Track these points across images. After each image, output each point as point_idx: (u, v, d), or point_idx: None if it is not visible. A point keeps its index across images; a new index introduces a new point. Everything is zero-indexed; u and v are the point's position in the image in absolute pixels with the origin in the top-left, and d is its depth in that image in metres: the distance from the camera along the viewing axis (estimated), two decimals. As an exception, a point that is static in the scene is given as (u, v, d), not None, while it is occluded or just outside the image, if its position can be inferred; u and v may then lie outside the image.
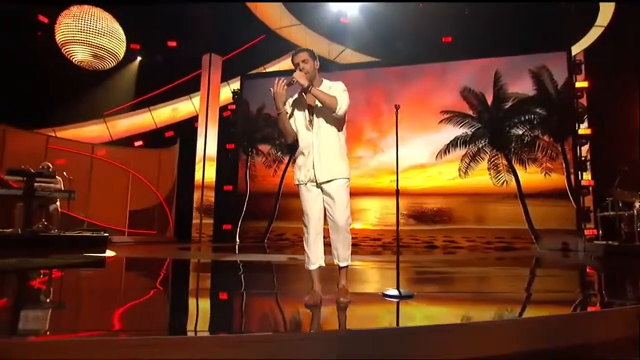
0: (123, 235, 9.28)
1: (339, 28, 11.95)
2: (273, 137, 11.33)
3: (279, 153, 11.39)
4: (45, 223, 5.63)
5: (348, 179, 2.48)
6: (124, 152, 10.66)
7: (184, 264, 5.45)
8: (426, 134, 10.34)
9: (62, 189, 5.89)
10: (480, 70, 10.16)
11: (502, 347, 1.79)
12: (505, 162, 9.69)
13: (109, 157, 10.23)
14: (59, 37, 8.65)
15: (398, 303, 2.52)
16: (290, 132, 2.48)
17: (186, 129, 12.77)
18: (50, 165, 5.95)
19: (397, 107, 2.90)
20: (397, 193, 2.93)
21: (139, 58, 12.97)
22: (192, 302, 2.90)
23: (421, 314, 2.47)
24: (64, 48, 8.72)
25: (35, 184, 5.31)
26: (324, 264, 2.48)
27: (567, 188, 9.26)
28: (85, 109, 11.87)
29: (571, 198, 9.19)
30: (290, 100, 2.50)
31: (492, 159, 9.79)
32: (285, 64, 12.77)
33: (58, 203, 5.95)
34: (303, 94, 2.44)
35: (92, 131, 12.40)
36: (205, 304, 2.86)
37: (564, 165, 9.38)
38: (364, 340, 1.71)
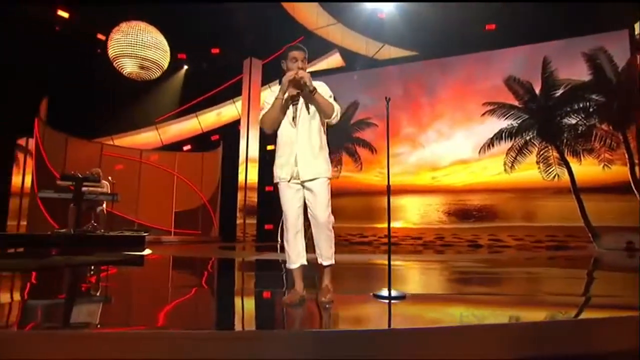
0: (169, 235, 9.84)
1: (376, 24, 11.76)
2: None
3: (318, 152, 11.44)
4: (94, 224, 6.15)
5: (330, 178, 2.46)
6: (170, 157, 11.29)
7: (205, 261, 5.65)
8: (469, 128, 9.89)
9: (108, 192, 6.40)
10: (527, 57, 9.52)
11: (479, 353, 1.67)
12: (557, 155, 9.00)
13: (156, 162, 10.89)
14: (111, 52, 9.36)
15: (389, 304, 2.43)
16: (278, 121, 2.41)
17: (230, 132, 13.26)
18: (100, 171, 6.49)
19: (387, 100, 2.80)
20: (389, 188, 2.89)
21: (185, 67, 13.66)
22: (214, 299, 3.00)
23: (404, 316, 2.34)
24: (115, 62, 9.42)
25: (83, 188, 5.81)
26: (305, 263, 2.46)
27: (631, 180, 8.40)
28: (138, 117, 12.76)
29: (635, 192, 8.33)
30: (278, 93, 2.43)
31: (542, 152, 9.13)
32: (323, 63, 12.85)
33: (104, 205, 6.46)
34: (299, 92, 2.40)
35: (145, 138, 13.28)
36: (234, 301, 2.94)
37: (626, 155, 8.51)
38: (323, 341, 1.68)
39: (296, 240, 2.44)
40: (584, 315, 2.42)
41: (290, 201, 2.40)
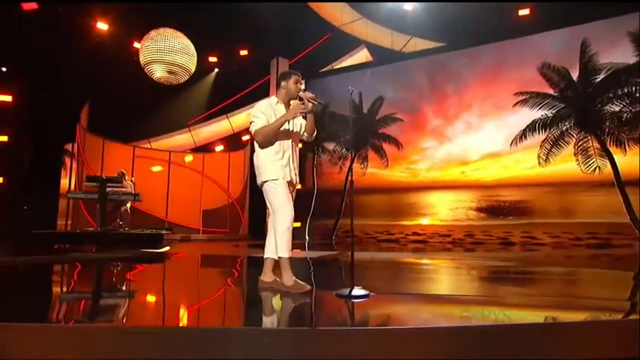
0: (198, 234, 10.18)
1: (401, 17, 11.46)
2: (337, 135, 11.35)
3: (344, 150, 11.38)
4: (120, 222, 6.49)
5: None
6: (197, 157, 11.67)
7: (223, 259, 5.75)
8: (500, 119, 9.40)
9: (132, 192, 6.73)
10: (563, 41, 8.89)
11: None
12: (597, 145, 8.32)
13: (184, 162, 11.30)
14: (142, 59, 9.81)
15: (353, 303, 2.35)
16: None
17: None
18: (124, 172, 6.84)
19: (350, 91, 2.76)
20: (351, 184, 2.95)
21: (216, 69, 14.06)
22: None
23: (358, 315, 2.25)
24: (146, 68, 9.87)
25: (108, 189, 6.15)
26: None
27: (686, 172, 7.62)
28: (172, 120, 13.30)
29: (690, 184, 7.54)
30: (274, 108, 2.76)
31: (580, 143, 8.49)
32: (349, 60, 12.73)
33: (128, 204, 6.81)
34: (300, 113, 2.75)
35: (180, 140, 13.82)
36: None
37: (680, 144, 7.73)
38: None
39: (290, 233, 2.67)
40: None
41: (289, 196, 2.69)
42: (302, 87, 2.81)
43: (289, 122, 2.71)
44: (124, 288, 3.43)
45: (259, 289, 2.71)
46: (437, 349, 1.63)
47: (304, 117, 2.82)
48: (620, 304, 2.63)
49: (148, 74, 9.97)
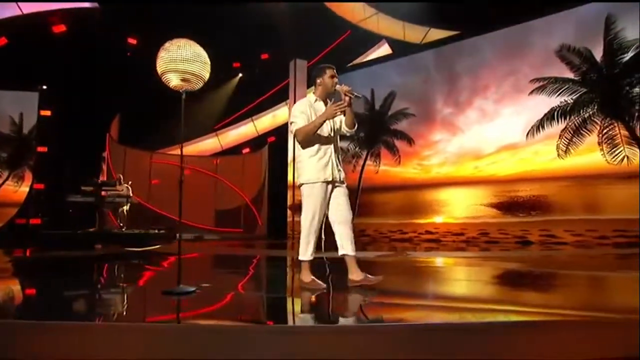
0: (211, 234, 10.61)
1: (415, 8, 11.07)
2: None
3: (357, 148, 11.22)
4: (121, 223, 6.99)
5: None
6: (210, 160, 12.09)
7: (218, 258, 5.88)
8: (516, 109, 8.72)
9: (130, 195, 7.22)
10: (583, 19, 8.04)
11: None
12: (625, 133, 7.42)
13: (199, 166, 11.80)
14: (158, 69, 10.39)
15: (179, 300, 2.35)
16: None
17: (284, 133, 13.72)
18: (121, 176, 7.36)
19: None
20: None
21: (239, 74, 14.54)
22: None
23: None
24: (162, 78, 10.46)
25: (104, 192, 6.65)
26: None
27: None
28: (201, 125, 13.96)
29: None
30: (314, 107, 2.77)
31: (605, 130, 7.62)
32: (364, 56, 12.52)
33: (126, 207, 7.31)
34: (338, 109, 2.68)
35: (208, 144, 14.46)
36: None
37: None
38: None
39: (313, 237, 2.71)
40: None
41: (322, 202, 2.67)
42: (337, 80, 2.76)
43: (328, 120, 2.69)
44: (98, 287, 3.65)
45: (300, 288, 2.74)
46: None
47: (342, 112, 2.72)
48: None
49: (165, 83, 10.57)
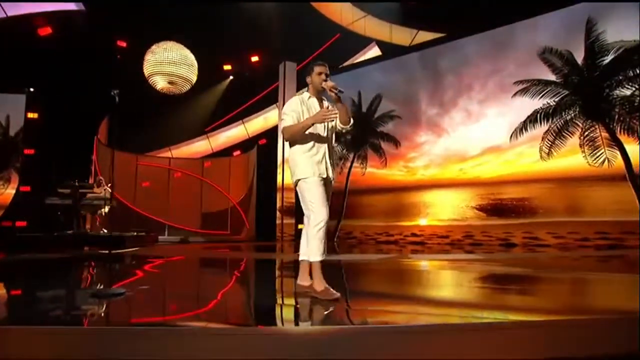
0: (197, 236, 10.59)
1: (401, 12, 11.14)
2: (337, 136, 11.22)
3: (344, 150, 11.22)
4: (99, 225, 6.97)
5: None
6: (197, 163, 12.09)
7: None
8: (499, 112, 8.73)
9: (108, 197, 7.21)
10: (564, 22, 8.07)
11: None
12: (606, 135, 7.43)
13: (185, 168, 11.78)
14: (145, 72, 10.44)
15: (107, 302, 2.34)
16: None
17: (275, 136, 13.71)
18: (102, 179, 7.35)
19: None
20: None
21: (230, 77, 14.55)
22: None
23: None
24: (149, 80, 10.49)
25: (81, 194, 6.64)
26: None
27: None
28: (191, 128, 13.96)
29: None
30: (307, 103, 2.72)
31: (587, 132, 7.63)
32: (354, 58, 12.54)
33: (104, 209, 7.29)
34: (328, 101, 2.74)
35: (199, 146, 14.45)
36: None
37: None
38: None
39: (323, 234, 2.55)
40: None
41: (323, 195, 2.56)
42: (324, 77, 2.67)
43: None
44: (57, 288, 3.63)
45: (296, 293, 2.63)
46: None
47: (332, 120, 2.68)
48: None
49: (152, 85, 10.58)
